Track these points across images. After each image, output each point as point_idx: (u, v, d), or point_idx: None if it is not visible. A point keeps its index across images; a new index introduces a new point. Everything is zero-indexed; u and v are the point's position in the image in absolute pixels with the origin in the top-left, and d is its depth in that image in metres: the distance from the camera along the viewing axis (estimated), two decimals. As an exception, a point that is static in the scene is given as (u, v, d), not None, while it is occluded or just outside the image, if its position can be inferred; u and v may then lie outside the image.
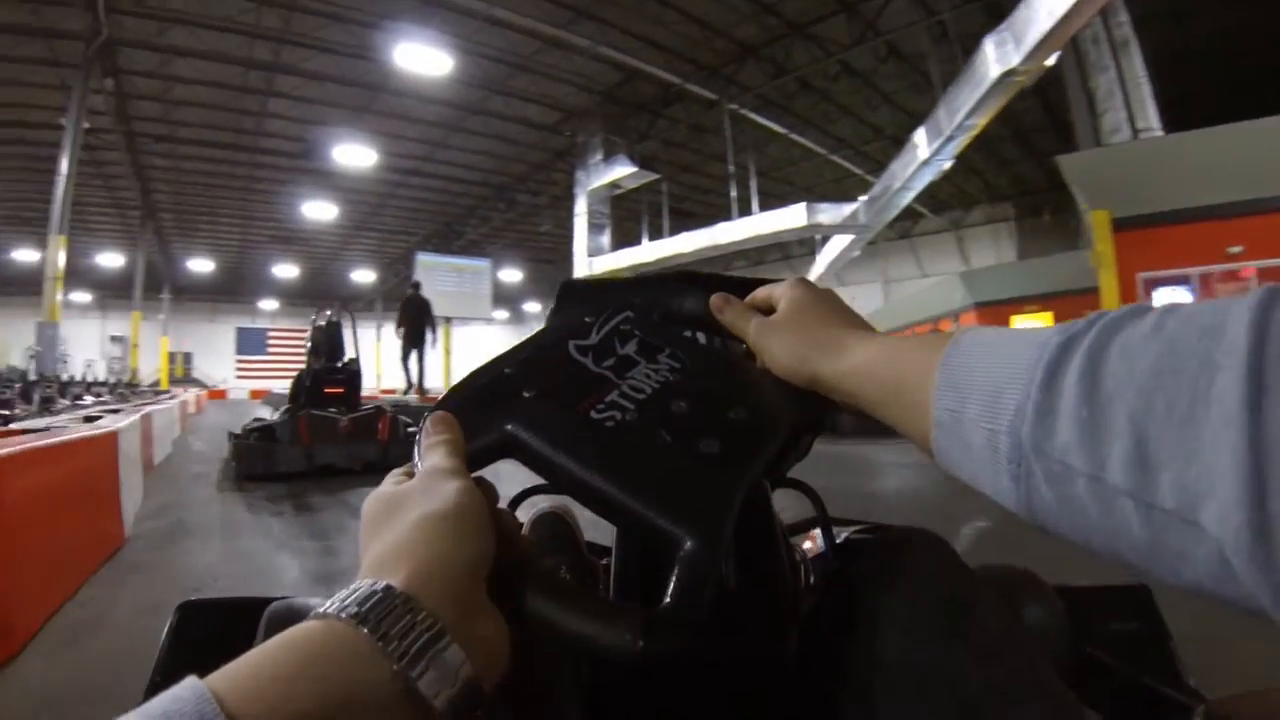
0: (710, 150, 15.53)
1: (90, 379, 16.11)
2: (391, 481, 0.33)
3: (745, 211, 14.05)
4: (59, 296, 9.16)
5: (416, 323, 10.62)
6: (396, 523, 0.28)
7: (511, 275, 26.15)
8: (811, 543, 0.74)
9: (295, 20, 11.01)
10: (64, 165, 8.77)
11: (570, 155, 15.18)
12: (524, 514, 0.70)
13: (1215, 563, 0.20)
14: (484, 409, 0.40)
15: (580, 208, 14.13)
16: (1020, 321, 11.05)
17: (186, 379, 29.22)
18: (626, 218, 17.17)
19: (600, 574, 0.60)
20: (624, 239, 15.60)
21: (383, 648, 0.22)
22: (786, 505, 0.66)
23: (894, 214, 12.45)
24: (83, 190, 15.51)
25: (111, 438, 2.63)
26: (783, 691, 0.41)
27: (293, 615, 0.44)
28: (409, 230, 22.26)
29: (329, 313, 7.64)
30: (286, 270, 28.21)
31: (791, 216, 12.49)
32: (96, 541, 3.22)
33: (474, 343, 22.75)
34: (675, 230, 15.08)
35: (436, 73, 11.26)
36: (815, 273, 14.16)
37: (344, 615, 0.23)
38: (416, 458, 0.34)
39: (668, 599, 0.31)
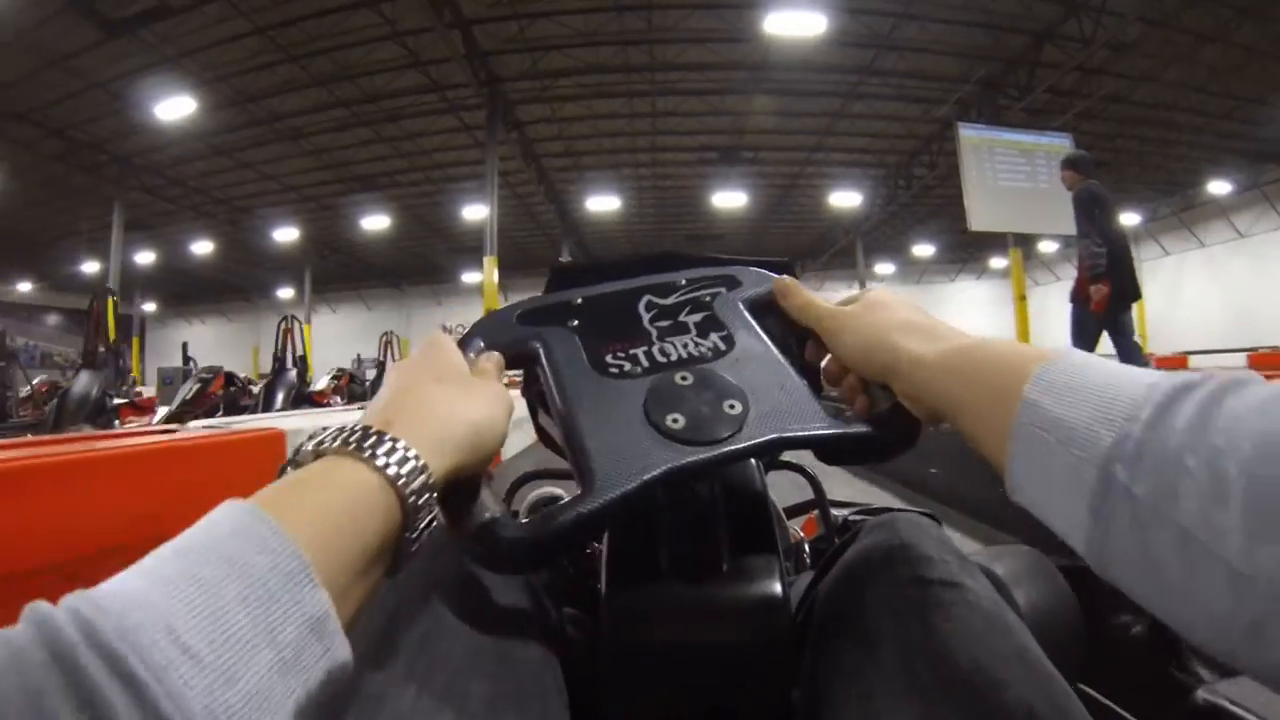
0: None
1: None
2: (450, 347, 0.39)
3: None
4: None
5: (1123, 258, 3.88)
6: (442, 395, 0.34)
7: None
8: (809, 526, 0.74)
9: None
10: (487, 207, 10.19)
11: None
12: (524, 497, 0.72)
13: None
14: (533, 320, 0.46)
15: None
16: None
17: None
18: None
19: (597, 560, 0.59)
20: None
21: (369, 459, 0.28)
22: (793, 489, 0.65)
23: None
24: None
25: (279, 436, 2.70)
26: (775, 672, 0.42)
27: None
28: (926, 95, 10.80)
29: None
30: (729, 199, 15.17)
31: None
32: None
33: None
34: None
35: None
36: None
37: (349, 445, 0.29)
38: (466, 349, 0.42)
39: (536, 518, 0.35)
